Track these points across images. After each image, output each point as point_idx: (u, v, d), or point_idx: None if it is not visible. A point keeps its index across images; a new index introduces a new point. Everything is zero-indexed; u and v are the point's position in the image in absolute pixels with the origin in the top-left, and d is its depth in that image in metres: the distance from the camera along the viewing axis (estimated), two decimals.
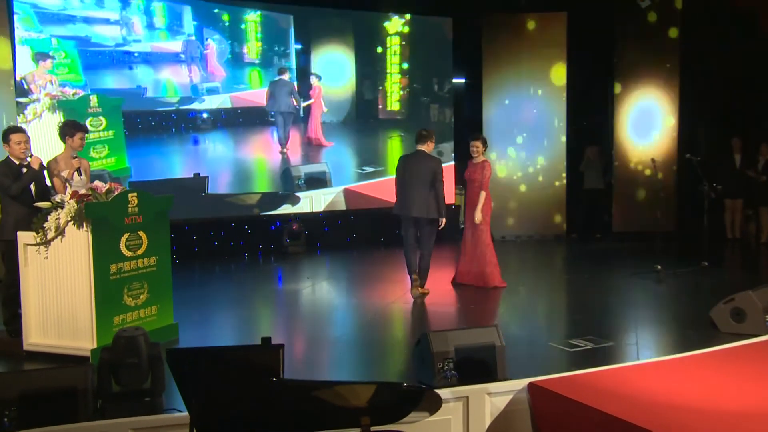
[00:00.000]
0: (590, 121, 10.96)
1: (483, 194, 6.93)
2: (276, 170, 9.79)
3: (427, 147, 6.64)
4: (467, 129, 10.66)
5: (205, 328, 5.69)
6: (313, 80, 10.17)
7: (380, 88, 10.57)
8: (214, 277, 8.10)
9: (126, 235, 4.94)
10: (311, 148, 10.14)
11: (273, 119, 9.76)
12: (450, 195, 10.05)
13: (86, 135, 5.29)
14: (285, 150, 9.88)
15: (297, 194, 9.72)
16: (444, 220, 6.54)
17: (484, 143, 7.08)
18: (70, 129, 5.18)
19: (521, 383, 4.02)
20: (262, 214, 9.45)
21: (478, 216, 6.92)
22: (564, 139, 10.63)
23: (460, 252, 7.22)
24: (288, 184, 9.74)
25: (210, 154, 9.53)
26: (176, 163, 9.14)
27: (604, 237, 10.50)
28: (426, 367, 4.13)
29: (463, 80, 11.11)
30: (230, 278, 8.11)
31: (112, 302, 4.85)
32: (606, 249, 9.71)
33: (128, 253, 4.96)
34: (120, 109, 8.50)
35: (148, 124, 9.02)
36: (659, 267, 7.43)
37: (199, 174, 9.12)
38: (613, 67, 10.48)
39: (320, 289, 7.46)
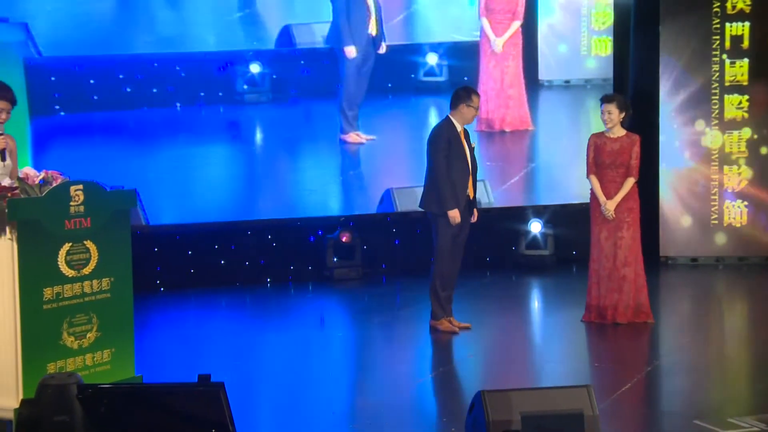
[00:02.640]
0: None
1: (632, 181, 7.87)
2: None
3: (460, 113, 7.66)
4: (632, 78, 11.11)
5: None
6: None
7: None
8: (216, 314, 8.98)
9: (67, 246, 5.62)
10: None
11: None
12: None
13: (10, 107, 5.99)
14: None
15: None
16: (453, 214, 7.47)
17: (623, 108, 7.86)
18: None
19: None
20: (295, 218, 10.20)
21: (613, 204, 7.75)
22: None
23: (595, 275, 7.88)
24: None
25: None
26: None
27: None
28: None
29: None
30: (242, 316, 8.96)
31: (45, 342, 5.54)
32: None
33: (70, 273, 5.64)
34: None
35: (114, 91, 9.16)
36: None
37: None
38: None
39: (380, 332, 8.27)
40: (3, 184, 5.63)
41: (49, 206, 5.57)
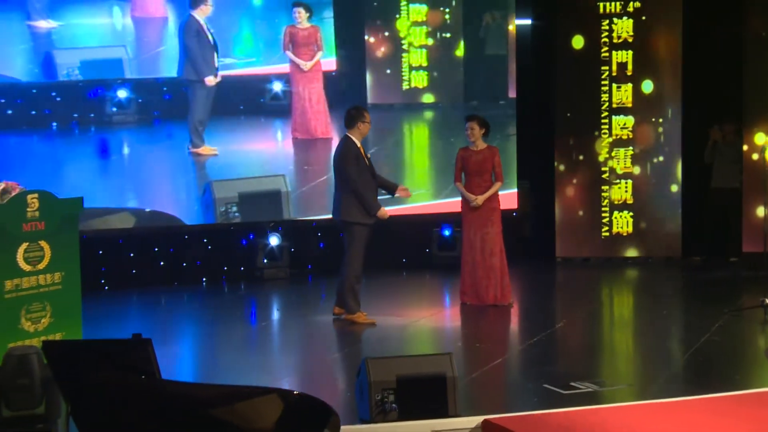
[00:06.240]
0: (717, 89, 12.01)
1: (499, 184, 9.14)
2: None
3: (358, 130, 8.45)
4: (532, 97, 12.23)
5: None
6: (299, 14, 11.17)
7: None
8: (156, 311, 9.88)
9: (24, 246, 6.45)
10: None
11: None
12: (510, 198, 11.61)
13: None
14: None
15: None
16: (383, 212, 8.45)
17: (483, 125, 9.04)
18: None
19: (474, 420, 5.62)
20: (228, 222, 11.12)
21: (482, 198, 8.91)
22: (679, 114, 11.85)
23: (468, 266, 9.10)
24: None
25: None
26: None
27: (742, 260, 11.35)
28: (364, 400, 5.79)
29: (528, 21, 12.53)
30: (180, 311, 9.86)
31: (6, 327, 6.35)
32: (734, 278, 10.91)
33: (27, 267, 6.47)
34: None
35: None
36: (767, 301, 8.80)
37: None
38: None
39: (302, 322, 9.19)
40: None
41: (10, 212, 6.40)
